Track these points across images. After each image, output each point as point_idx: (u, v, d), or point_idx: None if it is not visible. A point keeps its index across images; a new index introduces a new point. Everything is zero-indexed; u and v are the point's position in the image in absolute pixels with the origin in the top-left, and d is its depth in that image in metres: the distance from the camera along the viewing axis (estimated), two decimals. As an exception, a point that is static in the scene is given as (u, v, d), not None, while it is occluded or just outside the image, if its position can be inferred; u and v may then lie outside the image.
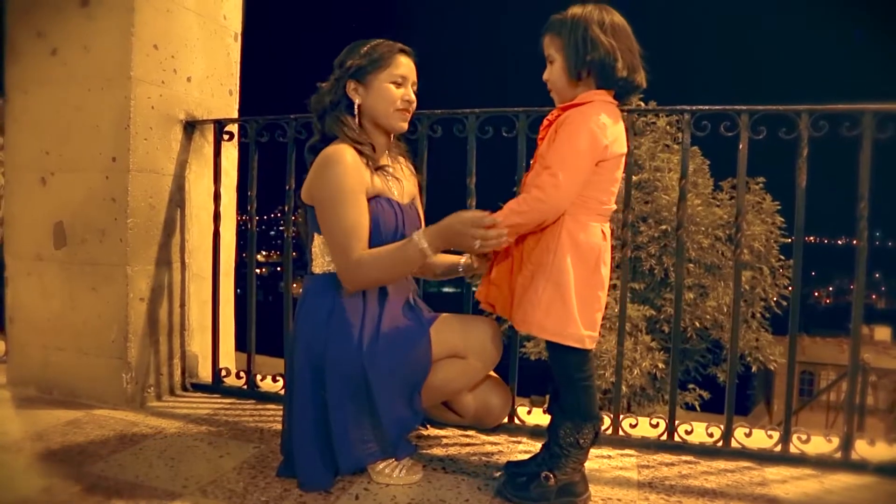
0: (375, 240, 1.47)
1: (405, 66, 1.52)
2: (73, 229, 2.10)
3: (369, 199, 1.47)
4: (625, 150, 1.35)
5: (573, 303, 1.29)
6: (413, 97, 1.53)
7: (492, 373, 1.62)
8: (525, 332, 1.33)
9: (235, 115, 2.39)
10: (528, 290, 1.32)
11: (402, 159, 1.64)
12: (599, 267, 1.33)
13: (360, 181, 1.44)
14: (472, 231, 1.31)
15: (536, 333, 1.31)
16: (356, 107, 1.51)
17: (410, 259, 1.39)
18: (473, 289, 1.80)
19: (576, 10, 1.30)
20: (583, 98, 1.32)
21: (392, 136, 1.58)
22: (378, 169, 1.51)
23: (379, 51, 1.50)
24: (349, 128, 1.49)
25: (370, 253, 1.41)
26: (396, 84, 1.50)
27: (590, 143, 1.26)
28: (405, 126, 1.55)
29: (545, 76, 1.38)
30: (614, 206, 1.38)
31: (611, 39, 1.28)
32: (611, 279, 1.42)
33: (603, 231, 1.35)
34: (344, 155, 1.43)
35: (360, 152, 1.47)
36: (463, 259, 1.65)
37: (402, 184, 1.58)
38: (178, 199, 2.18)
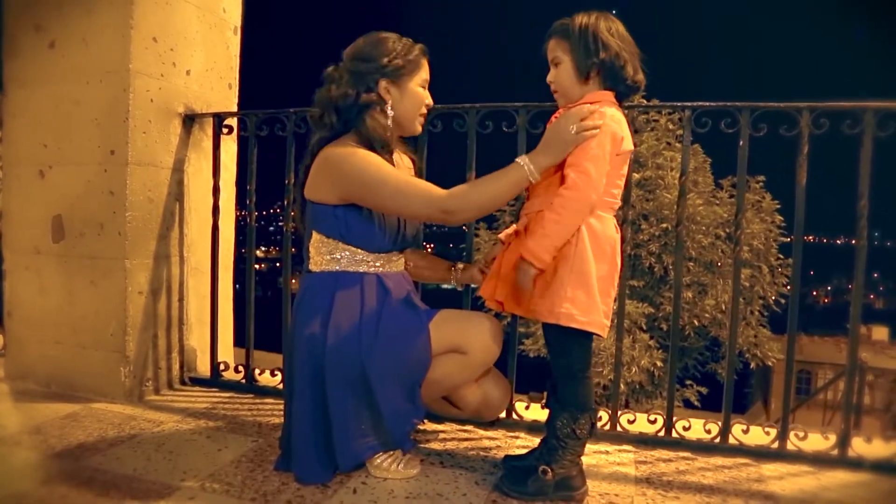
0: (378, 239, 1.49)
1: (427, 69, 1.53)
2: (71, 223, 2.09)
3: None
4: (632, 147, 1.40)
5: (596, 291, 1.33)
6: (431, 101, 1.55)
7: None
8: (552, 321, 1.34)
9: (235, 108, 2.38)
10: (553, 282, 1.33)
11: (398, 150, 1.63)
12: (616, 257, 1.38)
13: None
14: (570, 127, 1.30)
15: (565, 322, 1.32)
16: (388, 107, 1.49)
17: (515, 183, 1.36)
18: (473, 286, 1.80)
19: (582, 16, 1.36)
20: (591, 98, 1.37)
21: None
22: None
23: (412, 52, 1.49)
24: (382, 129, 1.46)
25: (466, 185, 1.39)
26: (423, 88, 1.51)
27: (610, 135, 1.31)
28: (420, 129, 1.57)
29: (549, 78, 1.42)
30: (620, 202, 1.42)
31: (618, 41, 1.35)
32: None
33: (615, 224, 1.40)
34: (353, 147, 1.44)
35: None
36: (461, 266, 1.68)
37: None
38: (176, 192, 2.17)
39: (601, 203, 1.34)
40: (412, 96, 1.50)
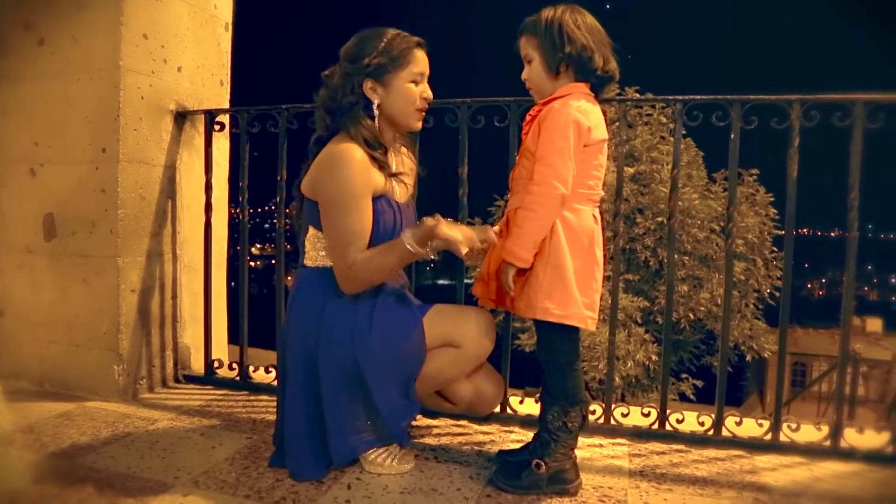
0: (373, 238, 1.47)
1: (422, 61, 1.49)
2: (63, 221, 2.08)
3: (373, 199, 1.45)
4: (605, 136, 1.39)
5: (572, 284, 1.33)
6: (430, 94, 1.51)
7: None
8: (530, 316, 1.35)
9: (226, 105, 2.37)
10: (530, 277, 1.34)
11: (404, 150, 1.62)
12: (594, 248, 1.37)
13: (367, 183, 1.42)
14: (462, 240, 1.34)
15: (541, 316, 1.33)
16: (375, 107, 1.47)
17: (400, 259, 1.40)
18: (467, 281, 1.80)
19: (548, 11, 1.37)
20: (562, 91, 1.37)
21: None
22: (391, 175, 1.49)
23: (397, 47, 1.45)
24: (368, 130, 1.45)
25: (364, 255, 1.40)
26: (415, 82, 1.48)
27: (574, 126, 1.31)
28: (420, 125, 1.54)
29: (524, 76, 1.43)
30: (602, 193, 1.41)
31: (584, 33, 1.35)
32: (604, 270, 1.44)
33: (594, 215, 1.39)
34: (353, 154, 1.40)
35: (372, 157, 1.44)
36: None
37: (406, 184, 1.57)
38: (169, 190, 2.17)
39: (575, 195, 1.34)
40: (401, 93, 1.46)
